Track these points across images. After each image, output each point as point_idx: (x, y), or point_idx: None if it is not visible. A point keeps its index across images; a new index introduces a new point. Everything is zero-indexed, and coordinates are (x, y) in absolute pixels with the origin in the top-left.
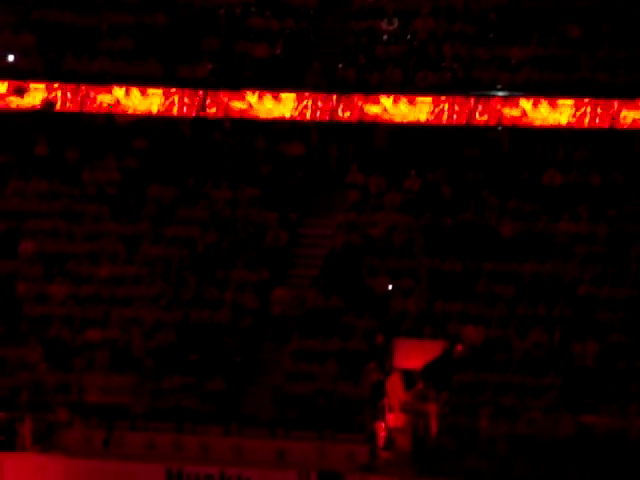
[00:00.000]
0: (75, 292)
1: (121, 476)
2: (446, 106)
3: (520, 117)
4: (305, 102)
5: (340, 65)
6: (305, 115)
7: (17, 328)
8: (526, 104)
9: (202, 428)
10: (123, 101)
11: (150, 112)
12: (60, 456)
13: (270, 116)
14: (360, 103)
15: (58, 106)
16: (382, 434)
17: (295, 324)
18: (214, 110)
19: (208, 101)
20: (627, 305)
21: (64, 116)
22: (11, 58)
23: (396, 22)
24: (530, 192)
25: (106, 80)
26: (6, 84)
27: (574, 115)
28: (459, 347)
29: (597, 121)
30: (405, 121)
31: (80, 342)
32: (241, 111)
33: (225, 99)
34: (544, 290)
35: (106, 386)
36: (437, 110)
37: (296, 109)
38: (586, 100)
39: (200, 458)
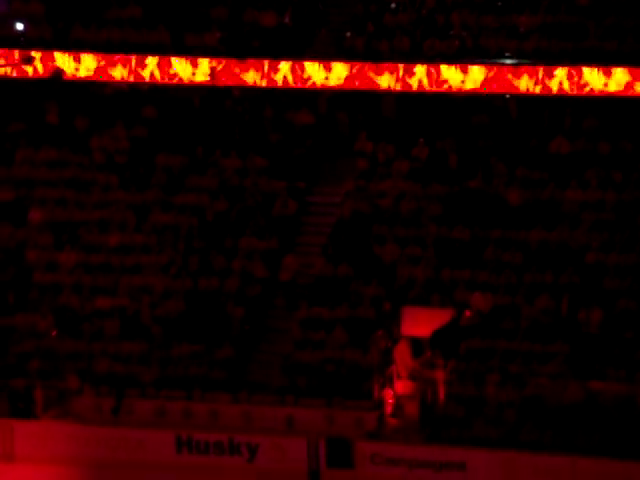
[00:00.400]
0: (85, 260)
1: (131, 443)
2: (454, 73)
3: (528, 85)
4: (314, 70)
5: (348, 33)
6: (314, 84)
7: (27, 296)
8: (534, 72)
9: (211, 395)
10: (131, 70)
11: (158, 80)
12: (71, 423)
13: (279, 85)
14: (368, 71)
15: (67, 75)
16: (390, 401)
17: (304, 291)
18: (223, 79)
19: (217, 69)
20: (635, 272)
21: (73, 85)
22: (20, 27)
23: None
24: (538, 160)
25: (114, 49)
26: (15, 53)
27: (582, 83)
28: (467, 314)
29: (605, 89)
30: (413, 89)
31: (90, 310)
32: (249, 80)
33: (234, 68)
34: (552, 257)
35: (116, 354)
36: (446, 78)
37: (305, 78)
38: (594, 68)
39: (209, 425)
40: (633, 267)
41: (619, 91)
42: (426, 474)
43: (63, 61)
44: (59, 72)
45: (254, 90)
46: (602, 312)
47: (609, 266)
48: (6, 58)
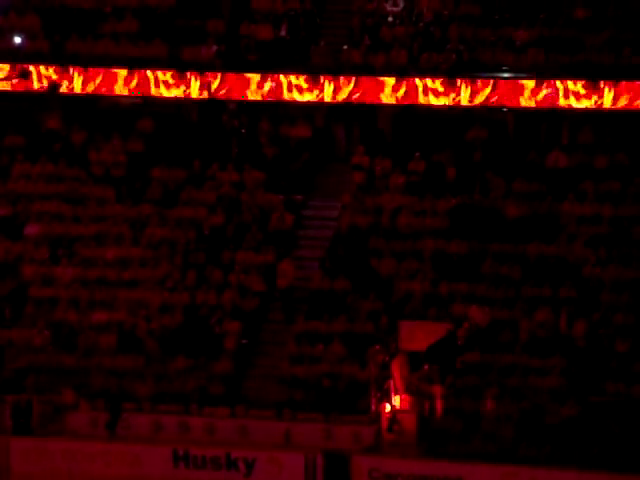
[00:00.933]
0: (81, 274)
1: (127, 458)
2: (450, 87)
3: (525, 99)
4: (309, 84)
5: (345, 47)
6: (308, 97)
7: (23, 311)
8: (531, 86)
9: (208, 410)
10: (127, 83)
11: (155, 94)
12: (67, 439)
13: (274, 98)
14: (365, 85)
15: (63, 89)
16: (387, 416)
17: (300, 304)
18: (219, 92)
19: (213, 83)
20: (632, 286)
21: (69, 98)
22: (18, 40)
23: (401, 3)
24: (535, 173)
25: (111, 62)
26: (8, 67)
27: (578, 97)
28: (464, 327)
29: (602, 103)
30: (409, 103)
31: (86, 324)
32: (245, 93)
33: (230, 81)
34: (549, 271)
35: (112, 368)
36: (441, 92)
37: (300, 91)
38: (591, 82)
39: (206, 440)
40: (630, 281)
41: (616, 105)
42: None
43: (59, 75)
44: (55, 85)
45: (250, 104)
46: (596, 325)
47: (606, 280)
48: (2, 71)
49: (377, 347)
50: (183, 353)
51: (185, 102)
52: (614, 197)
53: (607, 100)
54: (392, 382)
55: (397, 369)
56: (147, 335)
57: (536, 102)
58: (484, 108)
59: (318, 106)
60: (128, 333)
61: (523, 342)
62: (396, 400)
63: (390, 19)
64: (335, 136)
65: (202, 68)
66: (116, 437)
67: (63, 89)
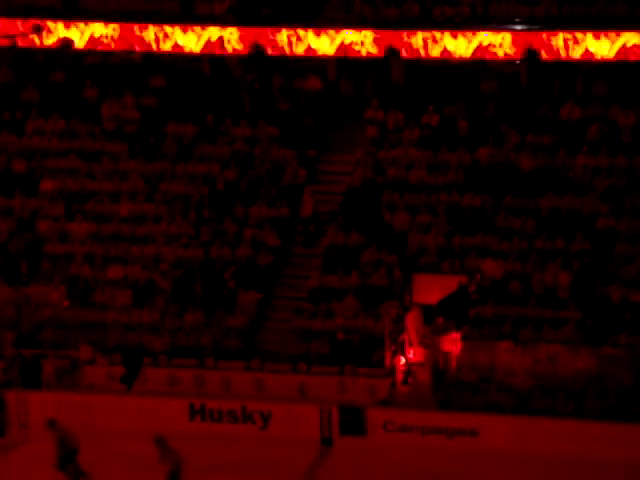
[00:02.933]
0: (96, 230)
1: (144, 412)
2: (464, 40)
3: (538, 50)
4: (321, 37)
5: (357, 0)
6: (322, 51)
7: (39, 267)
8: (544, 37)
9: (224, 364)
10: (139, 39)
11: (168, 49)
12: (83, 393)
13: (287, 52)
14: (378, 38)
15: (76, 45)
16: (402, 369)
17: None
18: (232, 47)
19: (226, 38)
20: None
21: (82, 54)
22: None
23: None
24: (548, 126)
25: (123, 18)
26: (25, 23)
27: (592, 48)
28: (476, 281)
29: (615, 54)
30: (423, 56)
31: (101, 280)
32: (260, 47)
33: (243, 35)
34: (563, 224)
35: (128, 324)
36: (454, 44)
37: (313, 45)
38: (604, 33)
39: (222, 393)
40: None
41: (630, 56)
42: (438, 441)
43: (72, 31)
44: (68, 42)
45: (263, 58)
46: (609, 277)
47: (620, 232)
48: (16, 28)
49: (391, 301)
50: (198, 307)
51: (198, 57)
52: (628, 149)
53: (620, 51)
54: (406, 335)
55: (411, 322)
56: (162, 290)
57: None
58: (497, 60)
59: (331, 60)
60: (143, 288)
61: (536, 294)
62: (410, 353)
63: None
64: (347, 90)
65: (215, 22)
66: (132, 391)
67: (76, 45)
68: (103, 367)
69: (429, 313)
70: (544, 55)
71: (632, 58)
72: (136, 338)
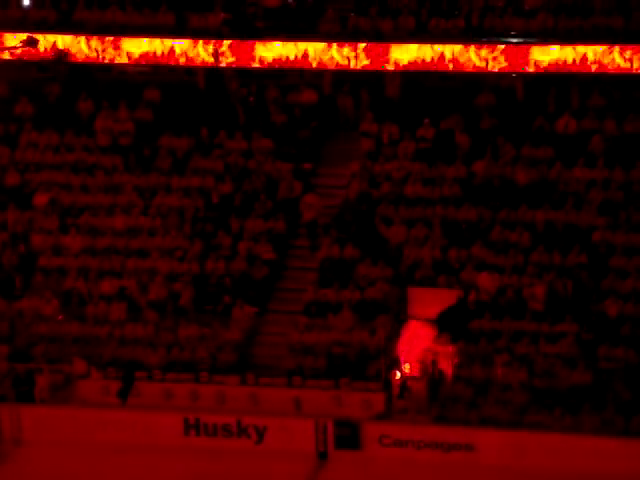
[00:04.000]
0: (90, 244)
1: (139, 426)
2: (460, 53)
3: (534, 64)
4: (318, 51)
5: (353, 13)
6: (318, 64)
7: (33, 280)
8: (540, 51)
9: (219, 378)
10: (135, 51)
11: (163, 62)
12: (77, 407)
13: (283, 65)
14: (373, 51)
15: (70, 57)
16: (398, 382)
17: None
18: (227, 60)
19: (221, 51)
20: None
21: (76, 67)
22: (26, 2)
23: None
24: (544, 139)
25: (118, 31)
26: (19, 35)
27: (588, 61)
28: (473, 295)
29: (611, 67)
30: (418, 69)
31: (96, 294)
32: (254, 61)
33: (237, 49)
34: (559, 237)
35: (122, 337)
36: (450, 58)
37: (309, 58)
38: (600, 46)
39: (217, 408)
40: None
41: (625, 68)
42: (434, 455)
43: (67, 43)
44: (63, 54)
45: (258, 71)
46: (605, 291)
47: (616, 245)
48: (11, 40)
49: (387, 314)
50: (194, 322)
51: (193, 70)
52: (624, 162)
53: (616, 64)
54: (402, 349)
55: (407, 336)
56: (158, 304)
57: (545, 67)
58: (493, 74)
59: (326, 73)
60: (138, 302)
61: (532, 308)
62: (406, 367)
63: None
64: (343, 104)
65: (210, 36)
66: (127, 405)
67: (70, 58)
68: (98, 381)
69: (425, 327)
70: (539, 68)
71: (628, 70)
72: (131, 352)
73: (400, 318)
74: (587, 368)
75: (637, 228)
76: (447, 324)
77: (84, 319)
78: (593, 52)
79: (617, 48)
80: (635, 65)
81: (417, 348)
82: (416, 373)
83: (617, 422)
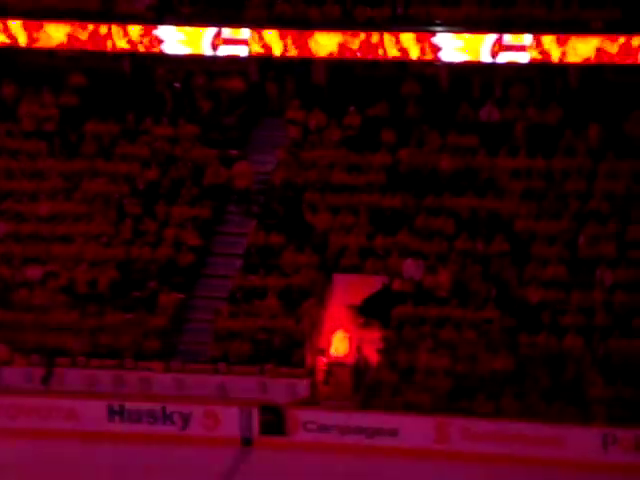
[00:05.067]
0: (14, 230)
1: (63, 413)
2: (385, 41)
3: (458, 52)
4: (245, 37)
5: (279, 0)
6: (244, 51)
7: None
8: (464, 39)
9: (144, 364)
10: (60, 36)
11: (88, 47)
12: (0, 393)
13: (209, 52)
14: (299, 38)
15: None
16: (322, 368)
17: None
18: (153, 46)
19: (146, 37)
20: (563, 239)
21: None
22: None
23: None
24: (468, 127)
25: (42, 15)
26: None
27: (511, 50)
28: (397, 282)
29: (534, 56)
30: (344, 57)
31: (20, 280)
32: (179, 47)
33: (164, 34)
34: (482, 225)
35: (46, 323)
36: (376, 46)
37: (235, 44)
38: (522, 35)
39: (142, 394)
40: (562, 234)
41: (547, 58)
42: (359, 440)
43: None
44: None
45: (184, 57)
46: (527, 278)
47: (538, 233)
48: None
49: (312, 301)
50: (118, 308)
51: (118, 55)
52: (546, 150)
53: (540, 54)
54: (327, 335)
55: (332, 322)
56: (82, 290)
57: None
58: (417, 62)
59: (252, 60)
60: (62, 288)
61: (456, 295)
62: (331, 353)
63: None
64: (268, 90)
65: (135, 20)
66: (51, 392)
67: None
68: (21, 367)
69: (350, 313)
70: (463, 57)
71: (549, 60)
72: (55, 339)
73: (325, 305)
74: (509, 354)
75: (558, 216)
76: (371, 310)
77: (8, 305)
78: (517, 41)
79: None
80: (555, 55)
81: (342, 334)
82: (341, 359)
83: (538, 407)
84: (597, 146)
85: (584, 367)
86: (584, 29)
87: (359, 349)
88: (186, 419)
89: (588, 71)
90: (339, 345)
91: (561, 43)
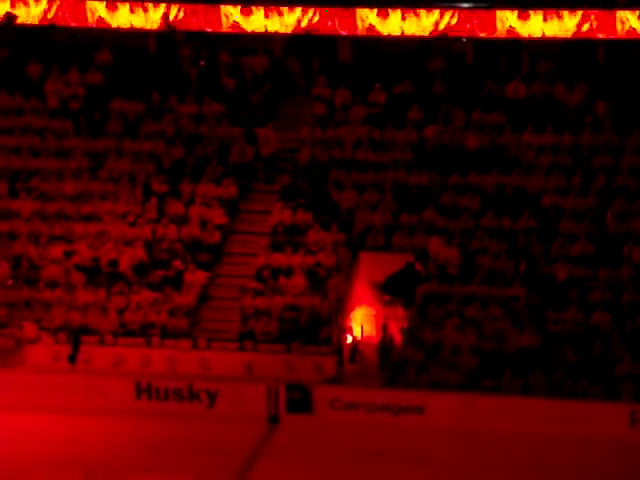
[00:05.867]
0: (40, 208)
1: (90, 391)
2: (412, 17)
3: (484, 28)
4: (272, 15)
5: None
6: (270, 28)
7: None
8: (490, 15)
9: (170, 342)
10: (87, 14)
11: (113, 25)
12: (28, 372)
13: (235, 29)
14: (325, 16)
15: (19, 20)
16: (349, 346)
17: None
18: (178, 23)
19: (172, 14)
20: (591, 215)
21: (25, 30)
22: None
23: None
24: (494, 104)
25: None
26: None
27: (538, 26)
28: (423, 260)
29: (561, 32)
30: (370, 33)
31: (46, 258)
32: (207, 25)
33: (190, 12)
34: (508, 202)
35: (73, 302)
36: (403, 22)
37: (260, 23)
38: (549, 10)
39: (168, 372)
40: (589, 210)
41: (574, 34)
42: (385, 418)
43: (15, 6)
44: (11, 17)
45: (209, 35)
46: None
47: (565, 210)
48: None
49: (338, 279)
50: (145, 286)
51: (144, 34)
52: (573, 127)
53: (566, 29)
54: (353, 313)
55: (358, 300)
56: (109, 268)
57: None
58: (443, 38)
59: (277, 37)
60: (89, 266)
61: (482, 273)
62: (357, 331)
63: None
64: (293, 68)
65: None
66: (78, 370)
67: (20, 19)
68: (48, 346)
69: (376, 291)
70: (489, 33)
71: (577, 36)
72: (82, 317)
73: (351, 283)
74: (536, 331)
75: (585, 192)
76: (396, 288)
77: (34, 284)
78: (543, 16)
79: (566, 13)
80: (584, 28)
81: (368, 312)
82: (367, 337)
83: (565, 385)
84: (624, 122)
85: (612, 344)
86: (610, 4)
87: (385, 327)
88: (213, 397)
89: (615, 46)
90: (365, 323)
91: (585, 19)
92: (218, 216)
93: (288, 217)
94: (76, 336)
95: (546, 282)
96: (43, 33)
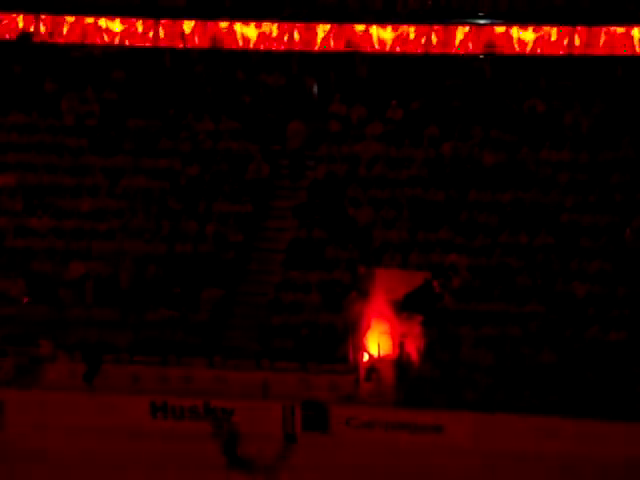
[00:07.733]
0: (56, 225)
1: (106, 409)
2: (429, 34)
3: (502, 45)
4: (286, 31)
5: None
6: (286, 45)
7: None
8: (508, 32)
9: (186, 360)
10: (101, 32)
11: (129, 43)
12: (44, 390)
13: (250, 46)
14: (341, 32)
15: (35, 37)
16: (365, 365)
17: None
18: (193, 41)
19: (187, 31)
20: (608, 232)
21: (41, 47)
22: None
23: None
24: (512, 121)
25: (85, 10)
26: None
27: (555, 42)
28: (441, 278)
29: (579, 49)
30: (387, 50)
31: (62, 276)
32: (220, 41)
33: (203, 29)
34: (526, 218)
35: (89, 320)
36: (419, 38)
37: (276, 39)
38: (568, 27)
39: (184, 390)
40: (607, 227)
41: (594, 50)
42: (402, 436)
43: (31, 24)
44: (27, 35)
45: (225, 52)
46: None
47: (583, 226)
48: None
49: (354, 296)
50: (161, 304)
51: (159, 50)
52: (590, 144)
53: (584, 46)
54: (370, 331)
55: (375, 318)
56: (125, 286)
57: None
58: (461, 55)
59: (293, 54)
60: (105, 284)
61: (500, 290)
62: (374, 349)
63: None
64: (309, 84)
65: (176, 15)
66: (94, 388)
67: (35, 37)
68: (64, 364)
69: (393, 308)
70: (507, 49)
71: (596, 53)
72: (98, 335)
73: (368, 300)
74: (554, 349)
75: (604, 209)
76: (414, 306)
77: (51, 301)
78: (558, 34)
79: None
80: (598, 47)
81: (384, 330)
82: (383, 355)
83: (583, 403)
84: None
85: (631, 362)
86: (627, 20)
87: (402, 345)
88: (229, 415)
89: (631, 63)
90: (381, 341)
91: (606, 35)
92: (234, 233)
93: (304, 234)
94: (95, 355)
95: (564, 299)
96: (59, 50)
